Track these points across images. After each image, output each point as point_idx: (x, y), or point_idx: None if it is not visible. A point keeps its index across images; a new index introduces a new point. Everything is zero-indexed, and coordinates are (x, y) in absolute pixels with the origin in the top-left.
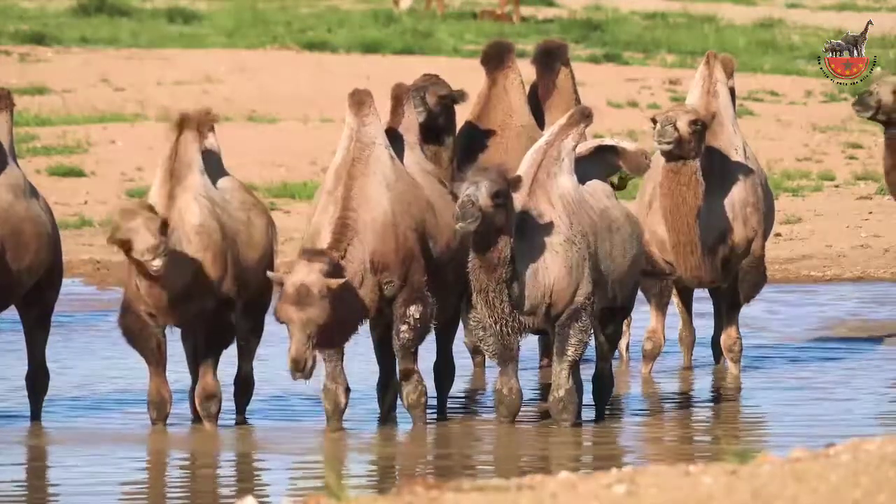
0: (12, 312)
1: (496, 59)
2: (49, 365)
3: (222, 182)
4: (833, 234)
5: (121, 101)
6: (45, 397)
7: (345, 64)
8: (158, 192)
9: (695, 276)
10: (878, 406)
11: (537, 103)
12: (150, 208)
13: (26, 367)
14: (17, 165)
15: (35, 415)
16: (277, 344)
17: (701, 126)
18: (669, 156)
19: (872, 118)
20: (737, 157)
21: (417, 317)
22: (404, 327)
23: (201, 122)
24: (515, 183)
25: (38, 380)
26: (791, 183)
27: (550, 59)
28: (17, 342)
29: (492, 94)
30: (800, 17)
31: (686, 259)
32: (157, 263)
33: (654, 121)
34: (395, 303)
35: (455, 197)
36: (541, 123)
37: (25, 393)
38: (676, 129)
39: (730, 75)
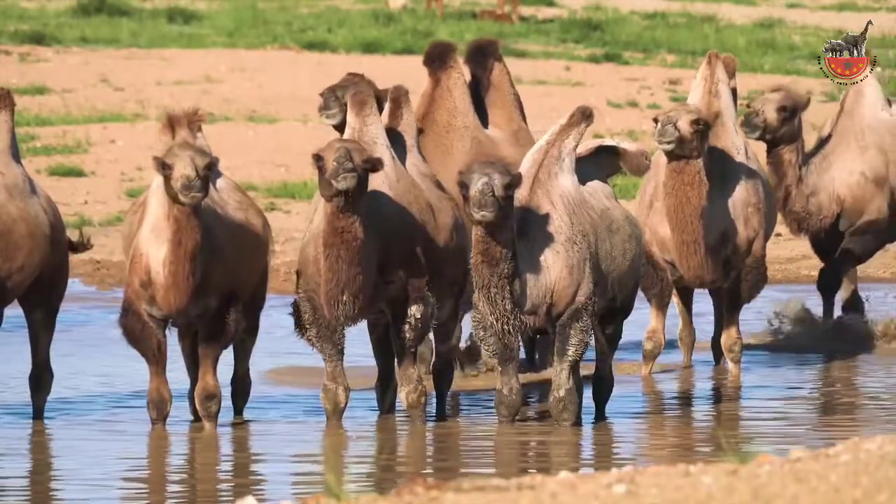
0: (17, 311)
1: (439, 59)
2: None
3: (219, 182)
4: None
5: (121, 101)
6: (48, 397)
7: (345, 64)
8: (160, 192)
9: (697, 275)
10: (879, 406)
11: (477, 102)
12: (205, 151)
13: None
14: (19, 164)
15: (37, 414)
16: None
17: (703, 126)
18: (671, 155)
19: (760, 138)
20: (738, 157)
21: (418, 317)
22: (405, 327)
23: (191, 122)
24: (518, 178)
25: (41, 379)
26: None
27: (483, 56)
28: (21, 341)
29: (435, 95)
30: (800, 17)
31: (689, 259)
32: (190, 195)
33: (655, 120)
34: (396, 303)
35: (463, 187)
36: (483, 121)
37: (28, 392)
38: (677, 128)
39: (731, 75)
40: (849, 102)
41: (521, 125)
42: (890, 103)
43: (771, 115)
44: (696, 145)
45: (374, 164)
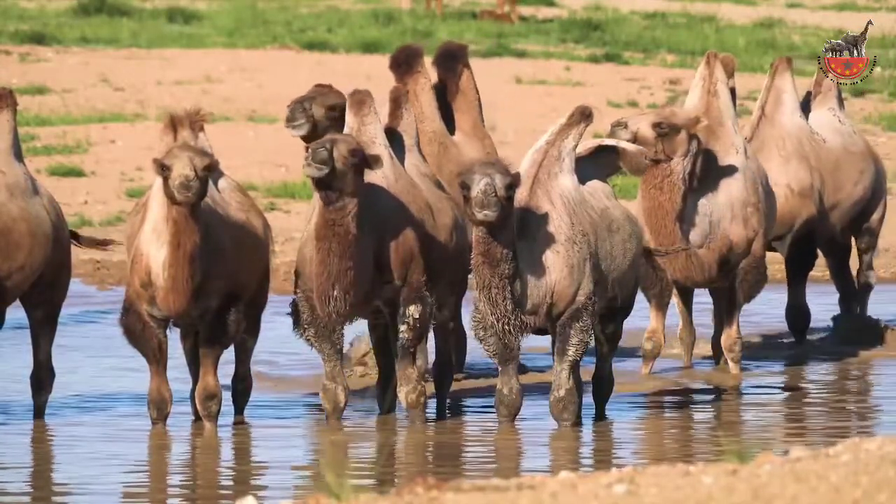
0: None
1: (406, 63)
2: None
3: (220, 183)
4: None
5: (121, 101)
6: (49, 396)
7: (345, 64)
8: (161, 193)
9: (685, 276)
10: (879, 406)
11: (443, 106)
12: (205, 152)
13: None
14: (22, 164)
15: (38, 414)
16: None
17: (666, 129)
18: None
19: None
20: (737, 156)
21: (417, 317)
22: (403, 327)
23: (193, 122)
24: (518, 178)
25: (42, 379)
26: None
27: (452, 61)
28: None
29: None
30: (800, 17)
31: (671, 261)
32: (188, 195)
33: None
34: (394, 303)
35: (464, 188)
36: (448, 126)
37: (29, 391)
38: (632, 131)
39: (730, 75)
40: (769, 109)
41: (485, 132)
42: (842, 105)
43: (645, 129)
44: (659, 148)
45: (362, 159)
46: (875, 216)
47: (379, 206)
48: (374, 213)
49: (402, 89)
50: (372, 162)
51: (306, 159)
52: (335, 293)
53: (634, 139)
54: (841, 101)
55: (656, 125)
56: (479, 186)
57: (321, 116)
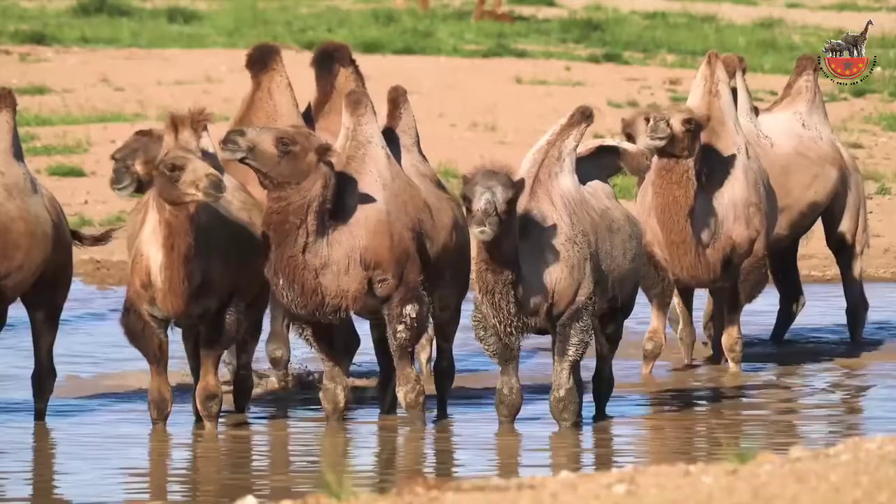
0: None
1: (260, 62)
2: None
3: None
4: None
5: (121, 101)
6: (50, 397)
7: None
8: None
9: (691, 275)
10: (879, 405)
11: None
12: (205, 152)
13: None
14: (21, 164)
15: (39, 414)
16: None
17: (695, 126)
18: (661, 153)
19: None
20: (739, 156)
21: (413, 316)
22: (401, 327)
23: (195, 122)
24: (521, 186)
25: (43, 379)
26: None
27: (329, 60)
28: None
29: (255, 98)
30: (800, 17)
31: (681, 259)
32: (201, 193)
33: (646, 119)
34: (391, 302)
35: (466, 199)
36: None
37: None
38: (670, 126)
39: (731, 75)
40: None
41: None
42: (757, 112)
43: (678, 125)
44: (686, 144)
45: (297, 148)
46: (844, 226)
47: (360, 205)
48: (352, 211)
49: (401, 89)
50: (320, 153)
51: (220, 143)
52: (280, 282)
53: (672, 135)
54: (816, 106)
55: (686, 121)
56: (479, 204)
57: (147, 171)
